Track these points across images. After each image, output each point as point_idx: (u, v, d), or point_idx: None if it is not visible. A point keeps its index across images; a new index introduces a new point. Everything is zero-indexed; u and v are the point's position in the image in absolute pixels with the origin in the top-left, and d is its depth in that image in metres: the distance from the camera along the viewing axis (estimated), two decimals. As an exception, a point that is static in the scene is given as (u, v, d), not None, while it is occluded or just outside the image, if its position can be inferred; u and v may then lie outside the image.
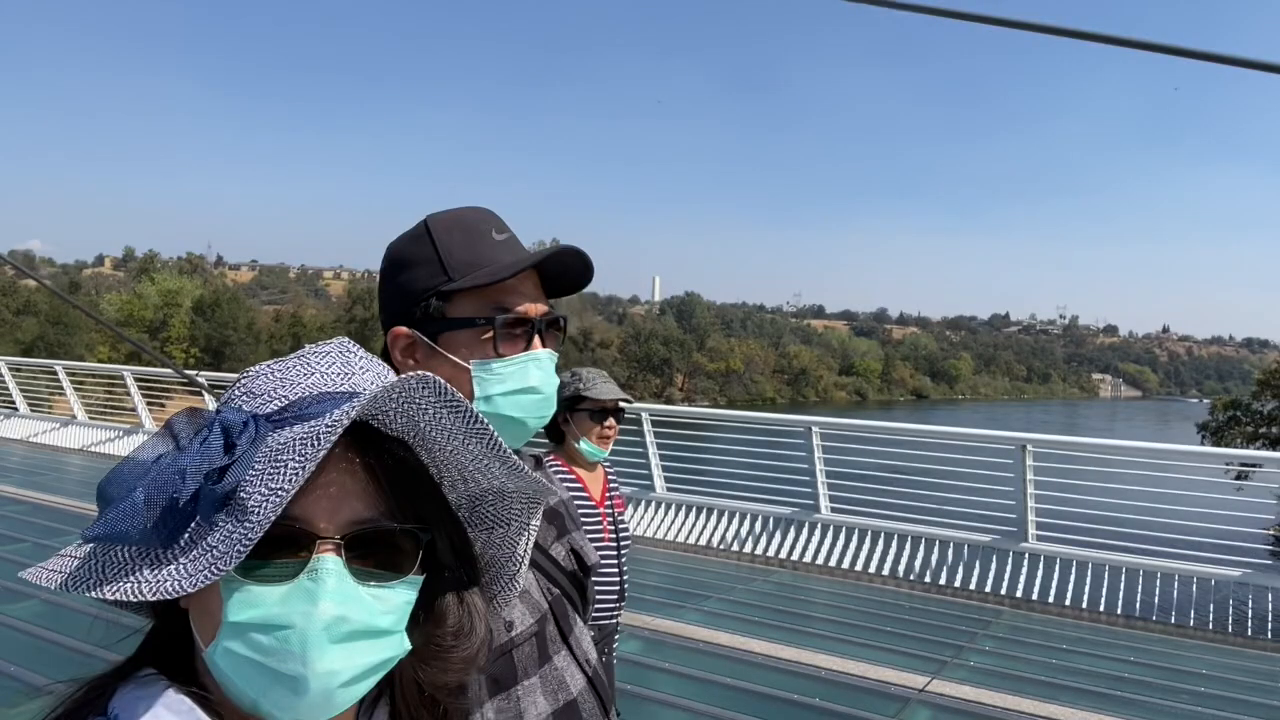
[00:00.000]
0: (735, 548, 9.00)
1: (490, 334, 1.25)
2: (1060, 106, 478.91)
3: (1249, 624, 7.12)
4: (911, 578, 8.16)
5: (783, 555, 8.77)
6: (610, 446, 3.09)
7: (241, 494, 0.66)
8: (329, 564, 0.68)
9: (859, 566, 8.39)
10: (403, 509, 0.74)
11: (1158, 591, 7.43)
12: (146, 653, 0.76)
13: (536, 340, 1.29)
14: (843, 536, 8.63)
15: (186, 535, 0.67)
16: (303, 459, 0.66)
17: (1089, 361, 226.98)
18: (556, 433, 3.07)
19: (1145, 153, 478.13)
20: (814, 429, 8.68)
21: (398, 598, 0.72)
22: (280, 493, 0.65)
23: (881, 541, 8.47)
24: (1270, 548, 7.90)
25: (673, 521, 9.47)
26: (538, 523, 0.84)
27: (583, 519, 2.38)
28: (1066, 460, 8.50)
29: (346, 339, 0.82)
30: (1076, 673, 5.56)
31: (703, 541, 9.20)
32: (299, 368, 0.76)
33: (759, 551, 8.86)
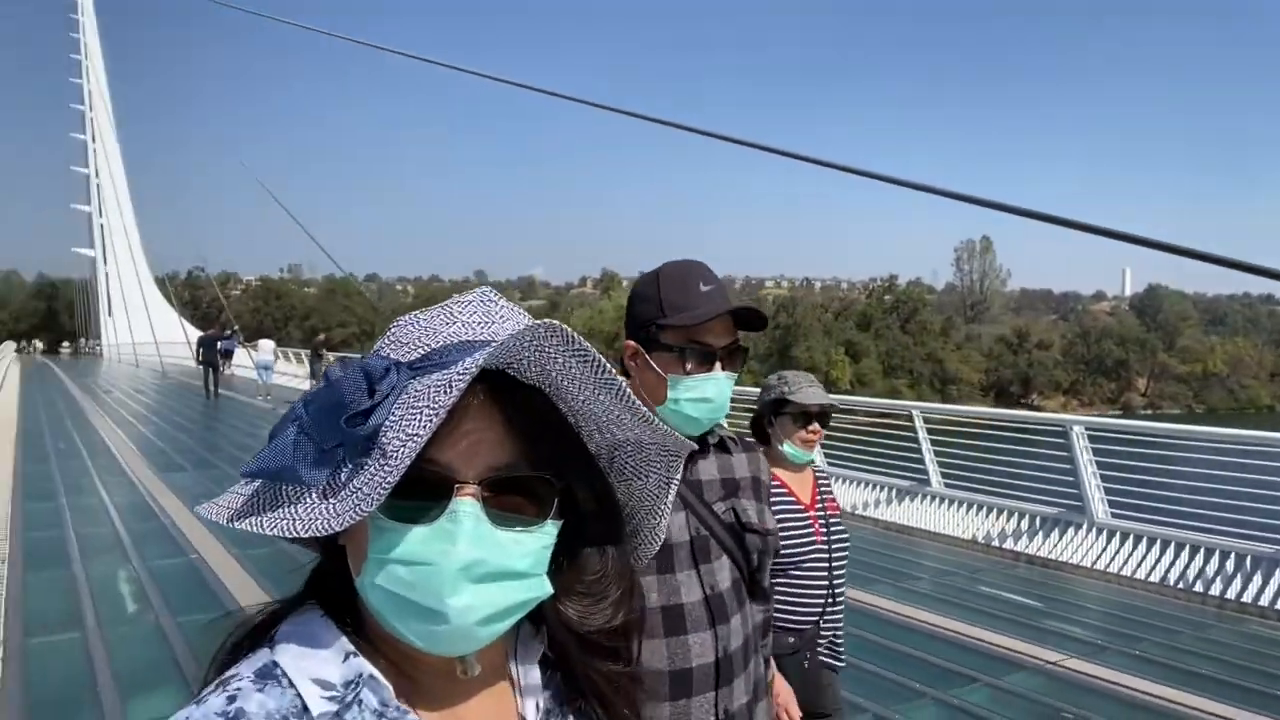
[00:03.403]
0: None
1: (683, 359, 1.73)
2: None
3: None
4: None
5: (1043, 554, 8.61)
6: (815, 450, 3.06)
7: (382, 438, 0.69)
8: (466, 507, 0.70)
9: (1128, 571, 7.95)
10: (540, 456, 0.76)
11: None
12: (313, 584, 0.80)
13: (718, 365, 1.74)
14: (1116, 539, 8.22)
15: (335, 475, 0.70)
16: (436, 405, 0.68)
17: None
18: (762, 435, 3.06)
19: None
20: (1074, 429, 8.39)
21: (535, 542, 0.74)
22: (416, 438, 0.68)
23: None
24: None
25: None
26: (678, 476, 0.85)
27: (789, 522, 2.78)
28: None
29: (489, 289, 0.82)
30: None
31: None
32: (442, 317, 0.78)
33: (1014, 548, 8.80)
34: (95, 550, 7.99)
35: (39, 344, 77.03)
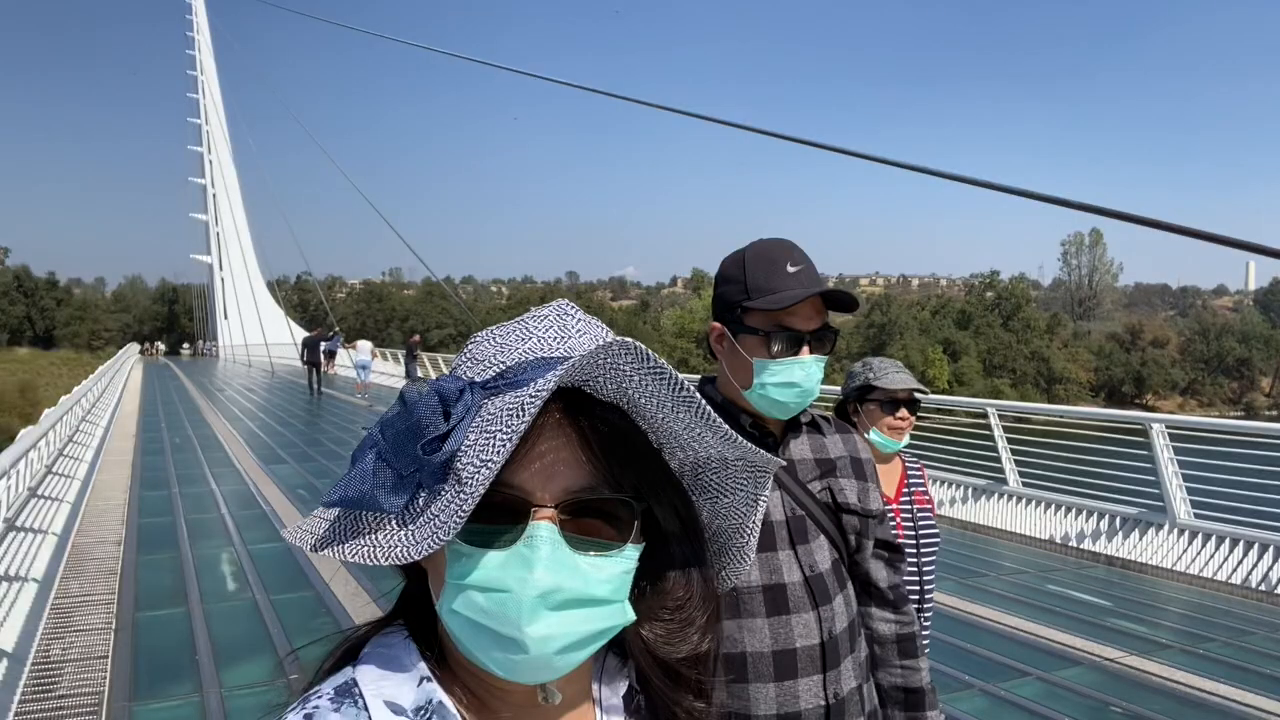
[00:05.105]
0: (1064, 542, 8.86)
1: (769, 342, 1.67)
2: None
3: None
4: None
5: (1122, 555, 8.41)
6: (904, 438, 2.92)
7: (458, 464, 0.67)
8: (543, 532, 0.68)
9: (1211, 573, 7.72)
10: (619, 477, 0.72)
11: None
12: (400, 607, 0.79)
13: (805, 349, 1.68)
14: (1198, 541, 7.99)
15: (413, 501, 0.69)
16: (509, 430, 0.66)
17: None
18: (848, 424, 3.17)
19: None
20: (1154, 427, 8.16)
21: (615, 567, 0.71)
22: (490, 464, 0.65)
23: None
24: None
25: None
26: (766, 493, 0.81)
27: None
28: None
29: (566, 301, 0.80)
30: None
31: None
32: (517, 332, 0.76)
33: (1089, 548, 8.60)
34: (201, 534, 8.66)
35: (161, 345, 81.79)
